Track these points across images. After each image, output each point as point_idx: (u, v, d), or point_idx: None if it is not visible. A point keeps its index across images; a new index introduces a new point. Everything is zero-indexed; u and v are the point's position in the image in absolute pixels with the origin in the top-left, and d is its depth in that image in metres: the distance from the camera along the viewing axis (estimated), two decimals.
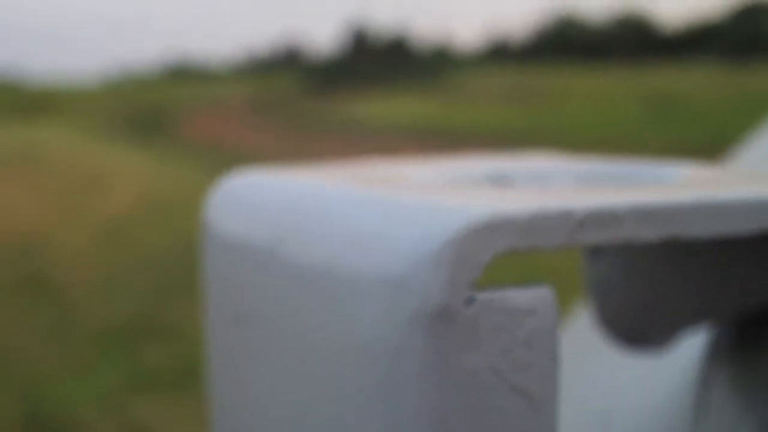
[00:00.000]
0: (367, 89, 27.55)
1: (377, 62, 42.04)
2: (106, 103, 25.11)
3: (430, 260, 0.15)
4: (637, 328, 0.25)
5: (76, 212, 7.56)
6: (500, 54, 69.70)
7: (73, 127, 18.35)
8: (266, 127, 17.27)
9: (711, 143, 9.98)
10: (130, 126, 17.39)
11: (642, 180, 0.22)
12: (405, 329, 0.16)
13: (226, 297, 0.21)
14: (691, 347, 0.30)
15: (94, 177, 9.41)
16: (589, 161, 0.24)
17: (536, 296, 0.16)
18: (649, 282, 0.25)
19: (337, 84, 28.80)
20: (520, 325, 0.16)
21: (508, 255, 0.17)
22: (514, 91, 19.66)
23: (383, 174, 0.21)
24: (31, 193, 8.34)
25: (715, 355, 0.29)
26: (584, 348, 0.39)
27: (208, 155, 12.49)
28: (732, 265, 0.23)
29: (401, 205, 0.17)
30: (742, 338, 0.28)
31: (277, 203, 0.20)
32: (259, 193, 0.21)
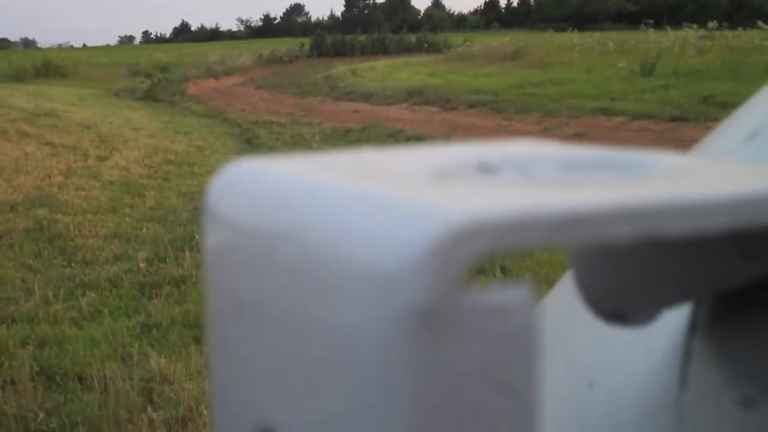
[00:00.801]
0: (365, 52, 27.64)
1: (375, 25, 41.93)
2: (118, 66, 25.07)
3: (414, 262, 0.16)
4: (620, 309, 0.27)
5: (87, 167, 7.74)
6: (492, 18, 69.44)
7: (88, 88, 18.45)
8: (270, 90, 17.37)
9: (696, 98, 10.21)
10: (139, 87, 17.42)
11: (623, 169, 0.23)
12: (391, 327, 0.16)
13: (227, 284, 0.22)
14: (675, 318, 0.31)
15: (103, 134, 9.57)
16: (572, 148, 0.26)
17: (514, 295, 0.17)
18: (631, 265, 0.25)
19: (337, 48, 28.78)
20: (499, 323, 0.16)
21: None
22: (508, 52, 19.72)
23: (374, 164, 0.23)
24: (45, 148, 8.50)
25: (695, 330, 0.31)
26: (571, 316, 0.40)
27: (212, 114, 12.65)
28: (711, 247, 0.23)
29: (388, 203, 0.18)
30: (722, 313, 0.30)
31: (274, 196, 0.21)
32: (257, 184, 0.22)
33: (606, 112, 10.36)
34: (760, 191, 0.20)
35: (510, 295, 0.17)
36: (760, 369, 0.28)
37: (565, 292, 0.42)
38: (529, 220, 0.17)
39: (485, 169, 0.23)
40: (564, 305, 0.43)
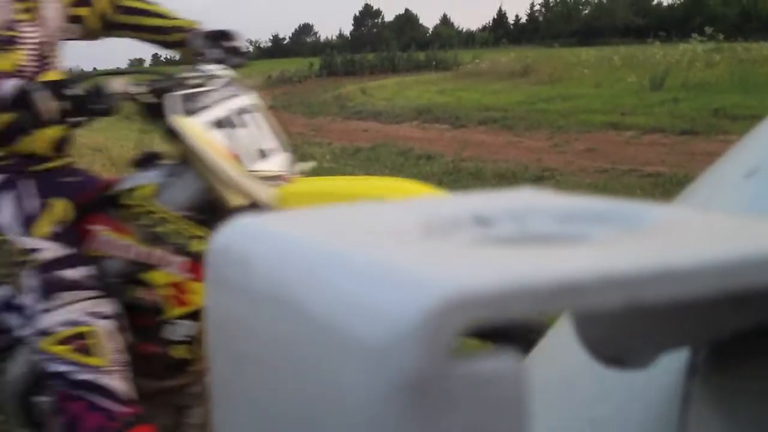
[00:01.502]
0: (374, 71, 27.75)
1: (383, 44, 42.13)
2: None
3: (405, 334, 0.16)
4: (619, 354, 0.27)
5: None
6: (500, 35, 69.72)
7: None
8: (279, 110, 17.42)
9: (706, 111, 10.17)
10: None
11: (616, 222, 0.23)
12: (383, 396, 0.16)
13: (227, 341, 0.22)
14: (675, 361, 0.32)
15: (114, 158, 9.60)
16: (567, 199, 0.26)
17: (502, 364, 0.17)
18: (627, 313, 0.25)
19: (346, 67, 28.88)
20: (488, 392, 0.17)
21: None
22: (517, 68, 19.74)
23: (370, 220, 0.24)
24: None
25: (694, 374, 0.31)
26: (572, 357, 0.39)
27: None
28: (704, 301, 0.23)
29: (381, 272, 0.18)
30: (720, 358, 0.30)
31: (271, 260, 0.21)
32: (255, 246, 0.22)
33: (616, 126, 10.35)
34: (746, 254, 0.20)
35: (498, 364, 0.17)
36: (758, 416, 0.28)
37: (565, 333, 0.42)
38: (517, 293, 0.17)
39: (481, 221, 0.23)
40: (565, 347, 0.43)
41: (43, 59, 2.03)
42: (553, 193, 0.27)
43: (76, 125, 1.84)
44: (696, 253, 0.20)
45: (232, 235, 0.23)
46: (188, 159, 1.94)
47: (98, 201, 2.03)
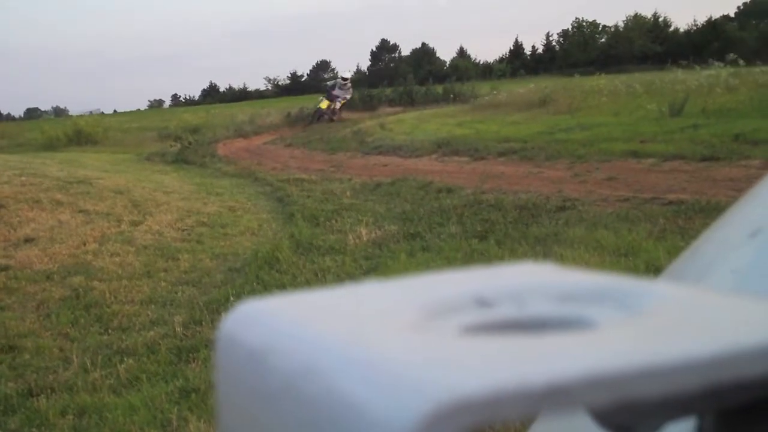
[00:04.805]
0: (393, 105, 27.82)
1: (401, 78, 42.17)
2: (148, 130, 25.43)
3: None
4: (626, 422, 0.27)
5: (121, 233, 7.81)
6: (517, 66, 69.78)
7: (119, 153, 18.69)
8: (299, 147, 17.47)
9: (727, 137, 10.12)
10: (170, 150, 17.55)
11: (615, 302, 0.24)
12: None
13: (236, 424, 0.23)
14: (683, 428, 0.31)
15: (136, 199, 9.65)
16: (569, 275, 0.26)
17: None
18: None
19: (364, 102, 28.95)
20: None
21: None
22: (535, 99, 19.75)
23: (372, 306, 0.24)
24: (79, 216, 8.57)
25: None
26: (578, 427, 0.40)
27: (243, 174, 12.73)
28: None
29: (380, 374, 0.18)
30: (728, 421, 0.29)
31: (278, 348, 0.22)
32: (263, 332, 0.23)
33: (636, 154, 10.32)
34: (737, 347, 0.20)
35: None
36: None
37: None
38: (508, 398, 0.18)
39: (482, 303, 0.23)
40: (570, 416, 0.44)
41: None
42: (554, 269, 0.27)
43: None
44: (687, 348, 0.20)
45: (241, 319, 0.24)
46: None
47: None
